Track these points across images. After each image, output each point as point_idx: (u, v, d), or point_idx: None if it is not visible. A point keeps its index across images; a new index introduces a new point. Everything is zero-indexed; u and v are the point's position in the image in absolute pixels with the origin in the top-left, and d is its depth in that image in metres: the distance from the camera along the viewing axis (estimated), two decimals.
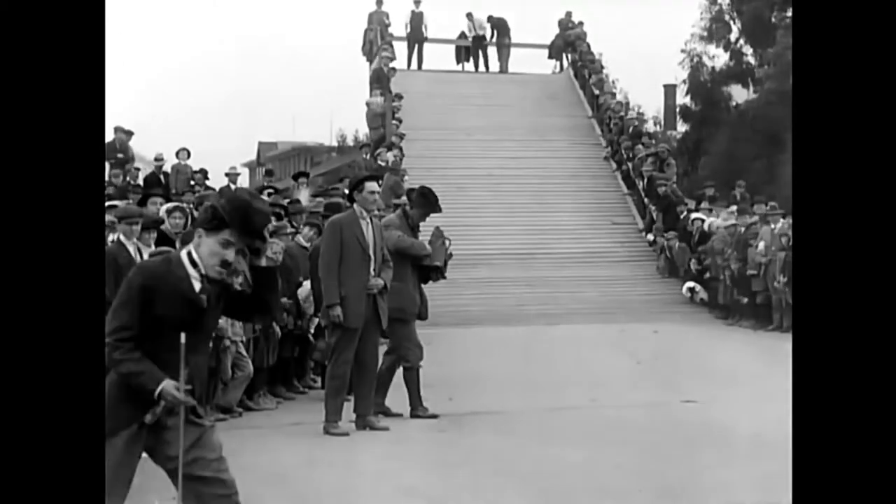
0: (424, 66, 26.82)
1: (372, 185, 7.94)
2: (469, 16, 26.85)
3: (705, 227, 17.56)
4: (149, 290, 3.92)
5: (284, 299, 9.55)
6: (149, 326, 3.92)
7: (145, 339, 3.92)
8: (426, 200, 8.66)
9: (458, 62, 27.32)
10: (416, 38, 26.52)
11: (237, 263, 4.03)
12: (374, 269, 7.76)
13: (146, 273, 4.00)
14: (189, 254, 3.98)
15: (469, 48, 27.14)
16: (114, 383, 3.94)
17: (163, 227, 8.82)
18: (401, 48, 25.80)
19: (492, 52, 27.10)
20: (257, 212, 4.01)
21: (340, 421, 7.71)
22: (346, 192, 10.44)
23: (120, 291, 4.02)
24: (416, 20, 26.43)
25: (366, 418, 7.79)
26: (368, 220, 7.85)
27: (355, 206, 7.90)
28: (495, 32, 27.09)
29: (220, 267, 3.95)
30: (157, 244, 8.45)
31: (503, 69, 27.01)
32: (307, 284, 9.45)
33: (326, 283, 7.69)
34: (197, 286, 3.97)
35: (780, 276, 14.51)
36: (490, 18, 26.99)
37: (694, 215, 18.34)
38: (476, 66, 27.05)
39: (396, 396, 8.94)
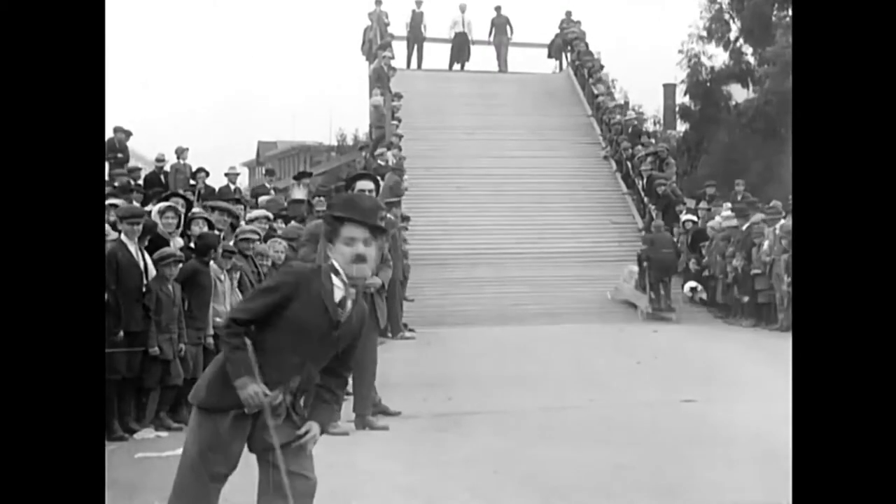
0: (424, 66, 26.83)
1: (364, 184, 7.89)
2: (462, 8, 26.80)
3: (708, 224, 17.55)
4: (293, 287, 3.91)
5: None
6: (283, 325, 3.91)
7: (278, 336, 3.91)
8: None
9: (457, 62, 27.32)
10: (416, 37, 26.51)
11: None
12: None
13: (298, 274, 4.02)
14: (332, 265, 3.98)
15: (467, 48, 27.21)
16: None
17: (157, 229, 8.81)
18: (399, 48, 25.81)
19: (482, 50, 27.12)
20: (359, 196, 4.15)
21: (339, 420, 7.71)
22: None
23: (266, 281, 4.17)
24: (417, 20, 26.45)
25: (365, 418, 7.79)
26: None
27: None
28: (494, 30, 27.10)
29: (356, 263, 3.94)
30: (151, 245, 8.41)
31: (502, 68, 26.99)
32: None
33: None
34: (339, 295, 3.95)
35: (786, 276, 14.48)
36: (497, 9, 26.93)
37: (685, 217, 18.34)
38: (451, 64, 26.93)
39: (394, 396, 8.95)
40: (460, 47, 26.70)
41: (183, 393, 8.43)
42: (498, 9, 27.14)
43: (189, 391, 8.44)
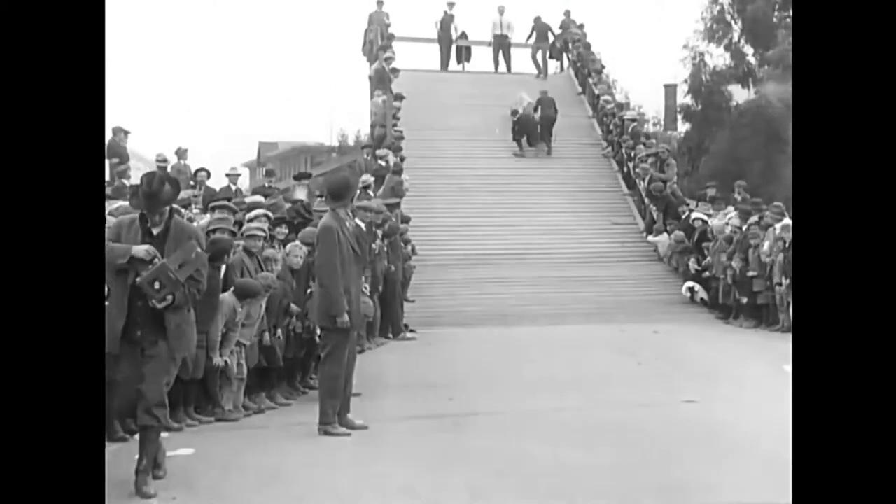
0: (425, 67, 26.82)
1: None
2: (501, 9, 26.79)
3: (709, 225, 17.55)
4: None
5: (294, 306, 9.55)
6: None
7: None
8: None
9: (458, 62, 27.32)
10: (447, 39, 26.57)
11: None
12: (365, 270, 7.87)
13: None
14: None
15: (468, 49, 27.22)
16: None
17: None
18: (400, 49, 25.75)
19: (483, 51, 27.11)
20: None
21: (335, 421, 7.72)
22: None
23: None
24: (447, 21, 26.55)
25: (345, 417, 7.81)
26: (354, 222, 7.93)
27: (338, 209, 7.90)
28: (534, 35, 27.08)
29: None
30: None
31: (544, 72, 26.90)
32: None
33: (333, 289, 7.63)
34: None
35: (783, 277, 14.49)
36: (536, 20, 27.00)
37: (695, 214, 18.33)
38: (496, 65, 26.98)
39: (395, 396, 8.95)
40: (498, 49, 26.77)
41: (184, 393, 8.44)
42: (537, 19, 27.17)
43: (190, 393, 8.39)
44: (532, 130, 22.71)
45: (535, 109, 22.95)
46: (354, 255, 7.74)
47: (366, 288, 9.14)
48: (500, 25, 26.67)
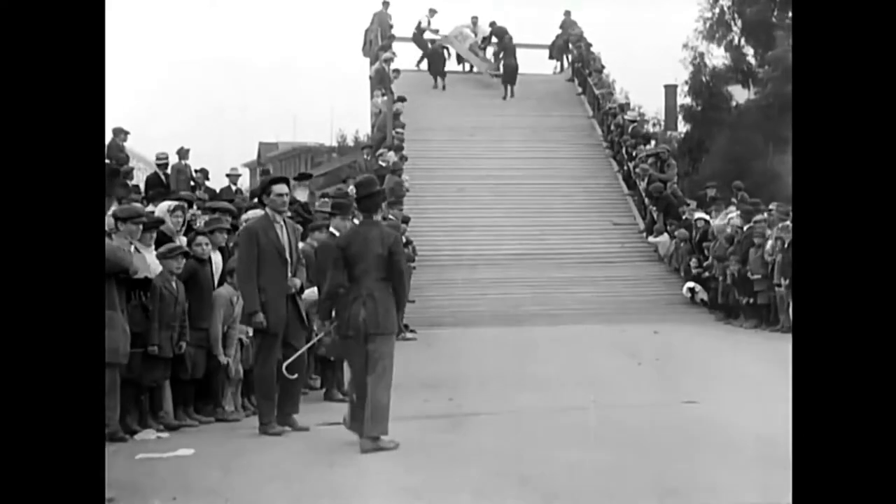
0: (423, 67, 26.76)
1: (279, 188, 7.93)
2: (474, 20, 26.79)
3: (713, 225, 17.55)
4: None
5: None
6: None
7: None
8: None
9: (457, 62, 27.28)
10: (437, 68, 26.59)
11: None
12: (291, 271, 7.83)
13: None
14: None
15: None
16: None
17: (162, 226, 8.81)
18: (402, 49, 25.69)
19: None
20: None
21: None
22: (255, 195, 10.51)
23: None
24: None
25: (290, 417, 7.89)
26: (282, 223, 7.90)
27: (267, 209, 7.91)
28: (493, 39, 26.98)
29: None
30: (156, 243, 8.44)
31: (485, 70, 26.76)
32: (315, 290, 9.40)
33: (246, 289, 7.74)
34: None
35: (782, 278, 14.50)
36: (492, 25, 26.93)
37: (697, 214, 18.33)
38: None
39: (395, 397, 8.92)
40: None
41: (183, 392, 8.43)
42: (475, 19, 27.05)
43: (190, 391, 8.38)
44: (439, 65, 25.06)
45: (497, 55, 25.48)
46: (279, 257, 7.76)
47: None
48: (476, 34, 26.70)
